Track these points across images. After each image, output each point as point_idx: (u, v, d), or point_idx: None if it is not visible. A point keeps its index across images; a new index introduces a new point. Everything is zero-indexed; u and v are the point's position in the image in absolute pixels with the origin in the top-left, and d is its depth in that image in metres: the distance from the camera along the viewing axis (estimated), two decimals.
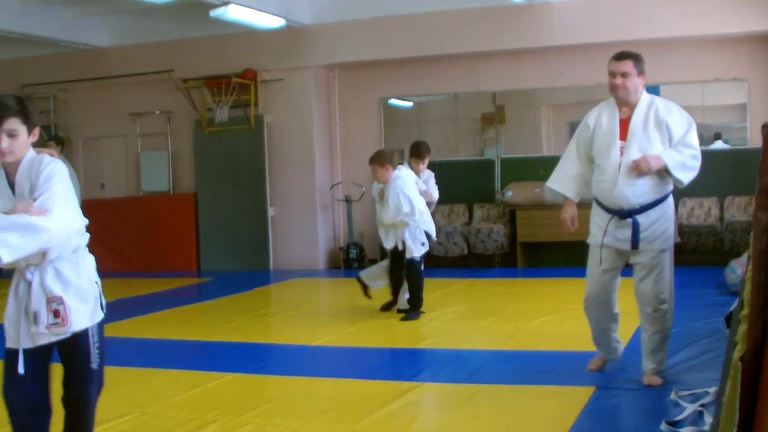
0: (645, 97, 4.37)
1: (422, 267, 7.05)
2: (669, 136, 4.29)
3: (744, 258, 6.96)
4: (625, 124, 4.35)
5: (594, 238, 4.50)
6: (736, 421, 2.05)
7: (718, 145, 10.12)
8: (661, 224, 4.37)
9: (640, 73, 4.35)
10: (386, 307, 7.29)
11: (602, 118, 4.43)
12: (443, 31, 10.42)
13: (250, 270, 11.05)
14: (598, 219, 4.49)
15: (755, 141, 9.72)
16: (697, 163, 4.29)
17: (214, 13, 9.34)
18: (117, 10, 10.86)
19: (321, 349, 6.00)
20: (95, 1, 10.46)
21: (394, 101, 11.68)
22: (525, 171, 10.55)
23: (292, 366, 5.52)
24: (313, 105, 11.14)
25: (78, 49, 11.61)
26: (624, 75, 4.31)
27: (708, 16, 9.43)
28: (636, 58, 4.36)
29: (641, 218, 4.31)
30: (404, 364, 5.50)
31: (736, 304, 2.89)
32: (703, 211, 9.92)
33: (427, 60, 10.89)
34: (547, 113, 11.33)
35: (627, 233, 4.34)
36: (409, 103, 11.82)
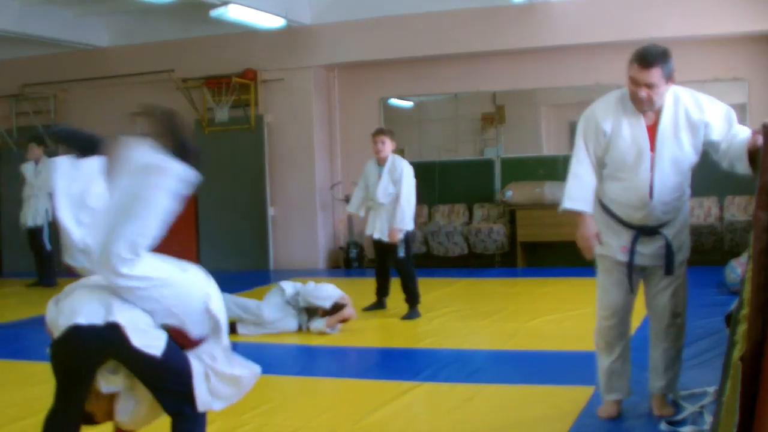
0: (669, 96, 3.63)
1: (410, 261, 7.07)
2: (708, 135, 3.61)
3: (744, 258, 6.96)
4: (651, 132, 3.63)
5: (609, 248, 3.82)
6: (736, 421, 2.05)
7: None
8: (684, 233, 3.84)
9: (669, 78, 3.56)
10: (369, 308, 7.35)
11: (622, 124, 3.65)
12: (443, 31, 10.42)
13: (250, 270, 11.05)
14: (612, 233, 3.80)
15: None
16: None
17: (214, 13, 9.35)
18: (117, 10, 10.86)
19: (321, 349, 6.00)
20: (95, 1, 10.45)
21: (394, 101, 11.69)
22: (525, 171, 10.55)
23: (292, 366, 5.52)
24: (313, 105, 11.14)
25: (78, 49, 11.60)
26: (650, 86, 3.52)
27: (708, 16, 9.43)
28: (664, 61, 3.53)
29: (666, 229, 3.73)
30: (404, 364, 5.50)
31: (735, 303, 2.89)
32: (703, 210, 9.93)
33: (427, 60, 10.89)
34: (547, 113, 11.34)
35: (652, 248, 3.75)
36: (409, 103, 11.82)
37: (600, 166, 3.76)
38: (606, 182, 3.79)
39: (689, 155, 3.64)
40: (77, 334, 2.73)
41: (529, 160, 10.70)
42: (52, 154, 10.43)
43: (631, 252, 3.74)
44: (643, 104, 3.58)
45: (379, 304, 7.36)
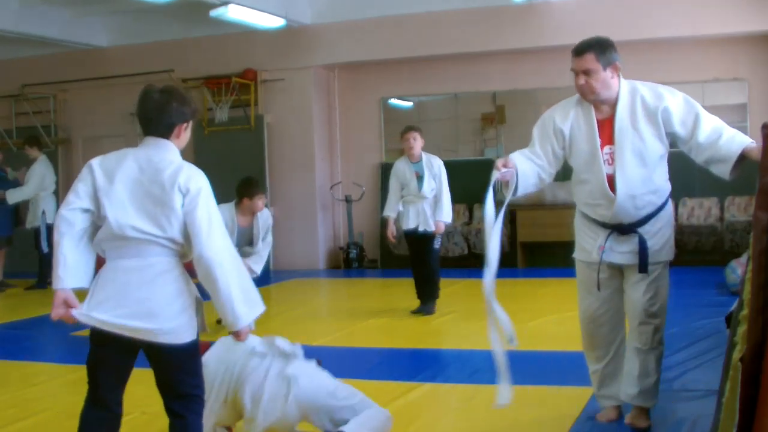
0: (624, 88, 3.59)
1: (438, 255, 7.36)
2: (669, 124, 3.50)
3: (744, 258, 6.96)
4: (607, 126, 3.58)
5: (586, 253, 3.75)
6: (736, 421, 2.05)
7: None
8: (665, 232, 3.66)
9: (608, 65, 3.53)
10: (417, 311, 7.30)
11: (580, 124, 3.65)
12: (443, 31, 10.42)
13: None
14: (590, 232, 3.73)
15: (755, 141, 9.72)
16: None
17: (214, 13, 9.34)
18: (117, 10, 10.86)
19: (321, 349, 5.99)
20: (95, 1, 10.45)
21: (394, 101, 11.68)
22: None
23: None
24: (313, 105, 11.14)
25: (78, 49, 11.60)
26: (587, 73, 3.53)
27: (708, 16, 9.44)
28: (598, 49, 3.54)
29: (644, 228, 3.59)
30: (404, 364, 5.50)
31: (736, 304, 2.89)
32: (703, 211, 9.93)
33: (427, 60, 10.89)
34: None
35: (628, 246, 3.62)
36: (409, 103, 11.82)
37: (557, 163, 3.77)
38: (576, 188, 3.77)
39: (653, 146, 3.53)
40: None
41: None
42: (51, 155, 10.48)
43: (606, 250, 3.64)
44: (585, 94, 3.58)
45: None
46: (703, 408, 3.89)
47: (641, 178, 3.53)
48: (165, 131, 2.97)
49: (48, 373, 5.42)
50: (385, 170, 11.35)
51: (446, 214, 7.12)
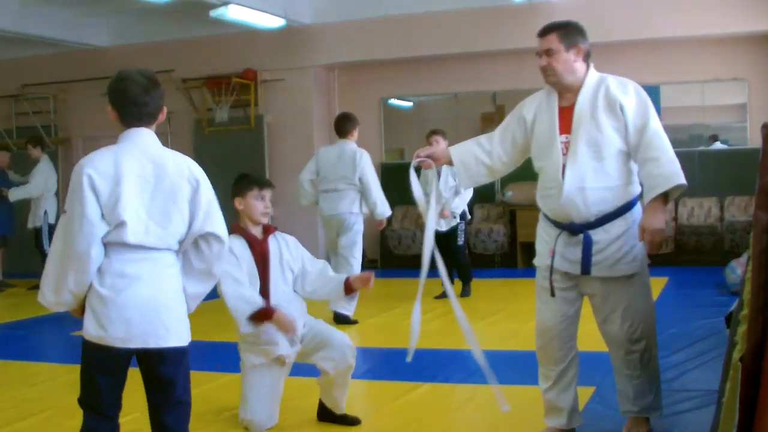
0: (592, 77, 3.46)
1: (465, 249, 8.05)
2: (624, 121, 3.31)
3: (744, 258, 6.97)
4: (567, 114, 3.42)
5: (540, 258, 3.57)
6: (736, 421, 2.05)
7: (717, 146, 10.08)
8: (624, 243, 3.36)
9: (571, 46, 3.44)
10: (441, 296, 7.62)
11: (543, 110, 3.54)
12: (443, 31, 10.43)
13: None
14: (544, 234, 3.56)
15: (755, 141, 9.72)
16: (671, 150, 3.28)
17: (214, 13, 9.35)
18: (117, 10, 10.86)
19: None
20: (95, 1, 10.45)
21: (394, 101, 11.69)
22: (525, 171, 10.46)
23: (292, 366, 5.50)
24: (313, 105, 11.14)
25: (78, 49, 11.60)
26: (548, 53, 3.43)
27: (708, 16, 9.43)
28: (561, 30, 3.50)
29: (598, 234, 3.34)
30: (404, 365, 5.48)
31: (736, 304, 2.88)
32: (703, 211, 9.92)
33: (427, 60, 10.90)
34: None
35: (579, 253, 3.38)
36: (409, 103, 11.82)
37: (516, 152, 3.73)
38: (538, 181, 3.62)
39: (611, 138, 3.32)
40: None
41: (529, 160, 10.69)
42: (51, 155, 10.49)
43: (556, 255, 3.44)
44: (547, 75, 3.47)
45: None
46: (703, 408, 3.89)
47: (593, 170, 3.34)
48: (150, 119, 2.74)
49: (48, 373, 5.42)
50: (385, 170, 11.36)
51: (456, 205, 7.92)
